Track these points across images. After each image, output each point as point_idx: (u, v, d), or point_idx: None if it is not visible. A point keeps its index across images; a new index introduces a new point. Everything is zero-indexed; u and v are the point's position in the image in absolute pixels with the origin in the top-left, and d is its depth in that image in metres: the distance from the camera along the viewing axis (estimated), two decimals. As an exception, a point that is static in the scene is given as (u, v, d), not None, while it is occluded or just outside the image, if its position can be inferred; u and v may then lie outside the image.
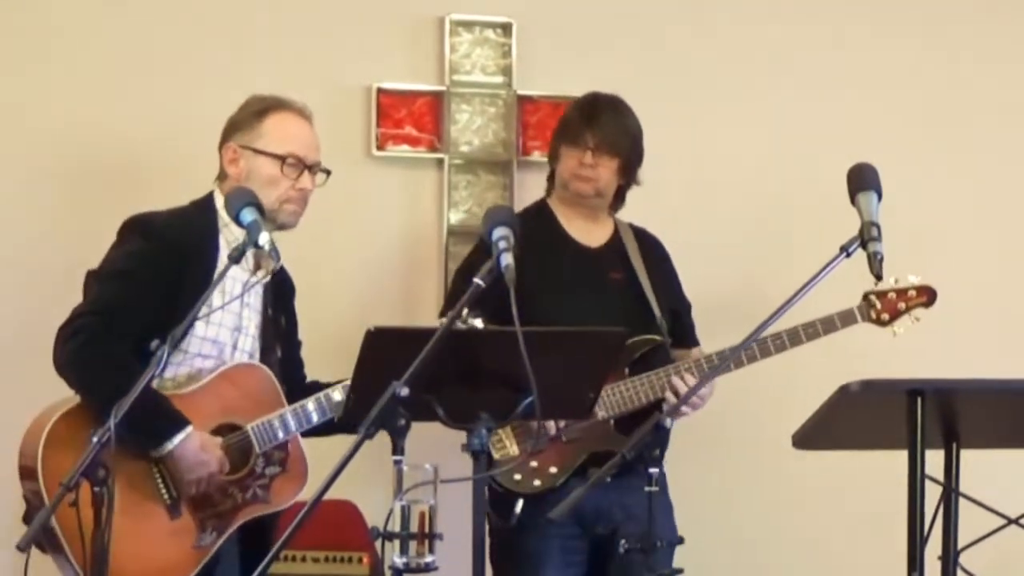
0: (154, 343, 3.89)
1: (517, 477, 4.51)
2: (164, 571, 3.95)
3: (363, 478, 4.02)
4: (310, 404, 4.07)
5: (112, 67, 4.91)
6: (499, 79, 5.22)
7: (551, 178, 4.82)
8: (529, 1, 5.23)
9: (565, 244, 4.73)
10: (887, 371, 3.66)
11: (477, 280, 3.48)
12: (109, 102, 4.86)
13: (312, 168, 4.17)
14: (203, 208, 4.13)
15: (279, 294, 4.14)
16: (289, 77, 5.01)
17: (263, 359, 4.13)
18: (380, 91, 5.11)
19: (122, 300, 3.95)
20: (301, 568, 4.65)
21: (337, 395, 4.09)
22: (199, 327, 3.99)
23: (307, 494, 3.30)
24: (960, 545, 3.72)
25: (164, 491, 3.96)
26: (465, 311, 4.05)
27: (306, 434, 4.15)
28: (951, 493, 3.71)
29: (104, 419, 3.77)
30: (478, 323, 4.06)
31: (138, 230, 4.06)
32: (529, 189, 5.10)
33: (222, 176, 4.17)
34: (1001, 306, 5.49)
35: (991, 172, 5.54)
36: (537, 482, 4.51)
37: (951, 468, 3.76)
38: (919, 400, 3.52)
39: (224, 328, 4.05)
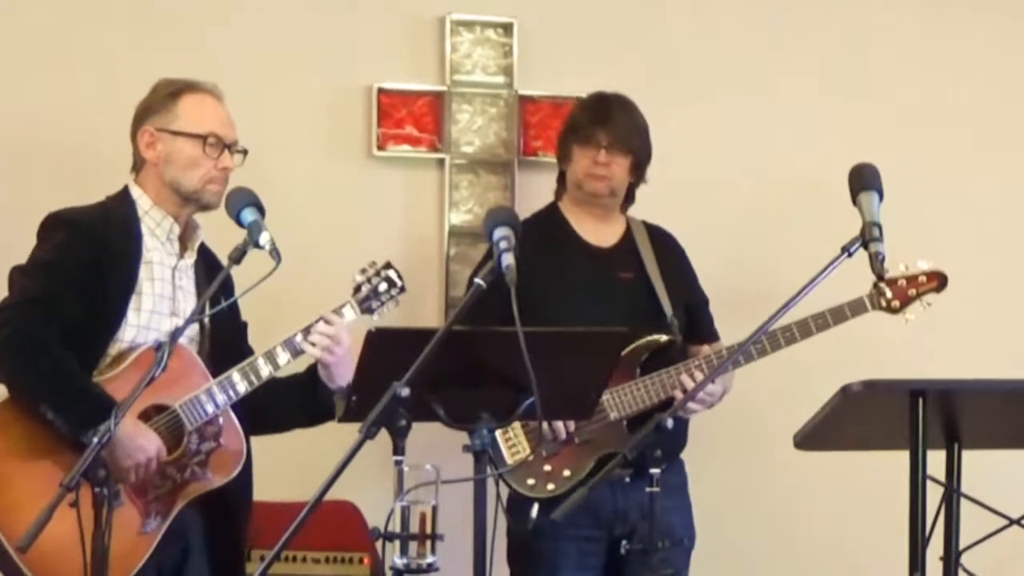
0: (154, 343, 3.91)
1: (531, 482, 4.51)
2: (114, 561, 3.89)
3: (364, 478, 4.02)
4: (235, 375, 4.02)
5: (107, 65, 4.91)
6: (500, 79, 5.22)
7: (561, 180, 4.82)
8: (530, 1, 5.23)
9: (575, 246, 4.74)
10: (889, 371, 3.65)
11: (478, 280, 3.49)
12: (106, 100, 4.85)
13: (231, 147, 4.10)
14: (120, 200, 4.09)
15: (213, 274, 4.06)
16: (289, 77, 5.02)
17: (201, 340, 4.09)
18: (381, 91, 5.10)
19: (47, 291, 3.92)
20: (301, 569, 4.65)
21: (261, 361, 4.04)
22: (131, 316, 3.97)
23: (307, 494, 3.28)
24: (962, 546, 3.72)
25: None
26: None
27: (262, 428, 4.14)
28: (953, 494, 3.71)
29: (34, 407, 3.80)
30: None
31: (57, 225, 4.02)
32: (530, 189, 5.10)
33: (139, 164, 4.11)
34: (1003, 306, 5.49)
35: (993, 171, 5.54)
36: (551, 486, 4.51)
37: (953, 469, 3.76)
38: (921, 400, 3.51)
39: (157, 315, 4.00)
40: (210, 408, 3.99)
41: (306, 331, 4.09)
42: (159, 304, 4.02)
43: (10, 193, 4.80)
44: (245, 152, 4.14)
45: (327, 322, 4.09)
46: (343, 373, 4.04)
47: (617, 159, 4.69)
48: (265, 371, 4.04)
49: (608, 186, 4.70)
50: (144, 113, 4.11)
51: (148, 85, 4.20)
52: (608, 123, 4.67)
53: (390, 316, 4.23)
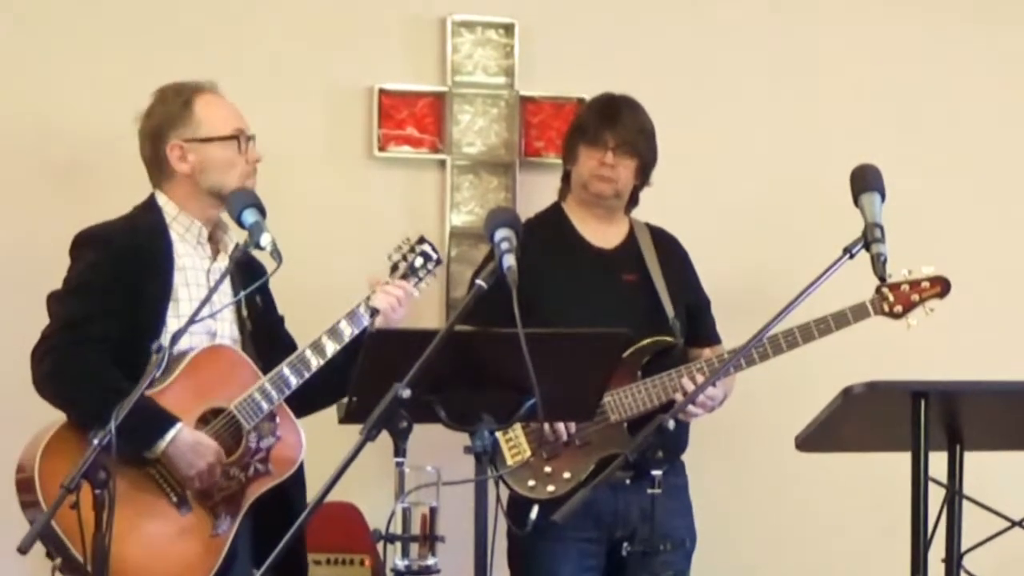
0: (155, 344, 3.90)
1: (531, 483, 4.51)
2: (190, 568, 3.94)
3: (365, 480, 4.02)
4: (285, 369, 4.03)
5: (109, 67, 4.90)
6: (501, 80, 5.21)
7: (565, 180, 4.81)
8: (531, 1, 5.23)
9: (579, 247, 4.74)
10: (890, 373, 3.65)
11: (479, 282, 3.48)
12: (104, 104, 4.84)
13: (251, 138, 4.13)
14: (148, 210, 4.11)
15: (247, 274, 4.06)
16: (290, 78, 5.02)
17: (243, 340, 4.11)
18: (382, 92, 5.10)
19: (87, 312, 3.94)
20: (303, 570, 4.64)
21: (309, 353, 4.05)
22: (171, 323, 3.97)
23: (308, 496, 3.28)
24: (964, 547, 3.71)
25: (168, 490, 3.94)
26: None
27: (305, 408, 4.14)
28: (955, 495, 3.70)
29: (93, 429, 3.75)
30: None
31: (89, 243, 4.04)
32: (532, 190, 5.09)
33: (167, 176, 4.10)
34: (1006, 307, 5.48)
35: (997, 172, 5.53)
36: (551, 488, 4.51)
37: (955, 470, 3.75)
38: (923, 402, 3.51)
39: (197, 320, 3.97)
40: (265, 405, 4.01)
41: (365, 300, 4.13)
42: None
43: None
44: (253, 137, 4.16)
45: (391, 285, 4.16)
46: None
47: (624, 161, 4.69)
48: (314, 362, 4.06)
49: (614, 188, 4.70)
50: (165, 127, 4.10)
51: (150, 88, 4.19)
52: (617, 125, 4.67)
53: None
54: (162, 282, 4.01)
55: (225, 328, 4.09)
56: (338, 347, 4.08)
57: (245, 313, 4.13)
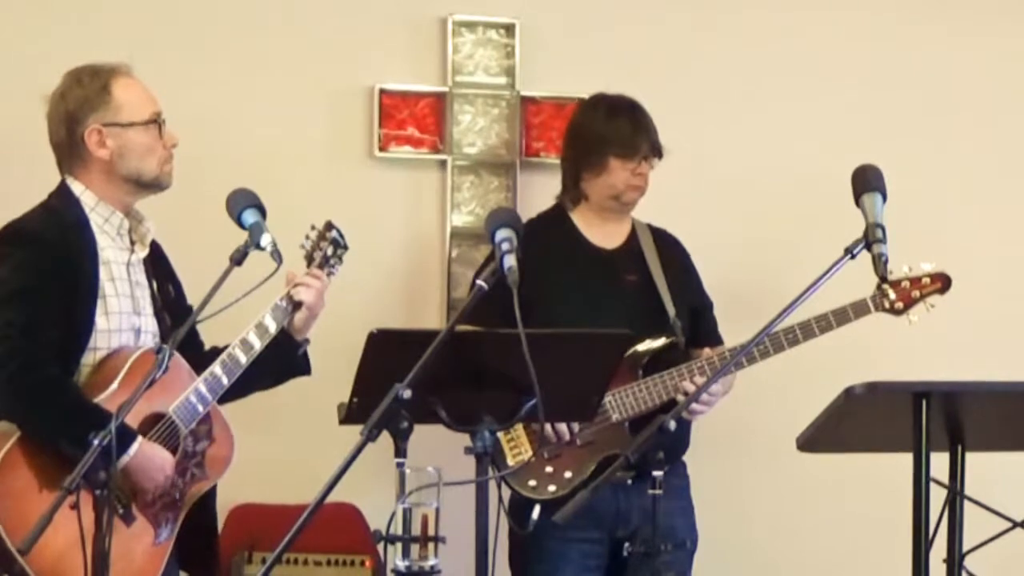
0: (155, 346, 3.87)
1: (532, 483, 4.51)
2: None
3: (365, 481, 4.01)
4: (217, 368, 3.92)
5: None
6: (502, 80, 5.21)
7: (575, 187, 4.76)
8: (532, 1, 5.22)
9: (581, 247, 4.73)
10: (892, 373, 3.65)
11: (480, 282, 3.49)
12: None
13: (165, 121, 4.01)
14: (63, 199, 3.95)
15: (158, 263, 4.01)
16: (291, 77, 5.02)
17: (161, 333, 3.99)
18: (382, 92, 5.10)
19: (32, 317, 3.78)
20: (303, 572, 4.64)
21: (238, 351, 3.95)
22: (100, 321, 3.86)
23: (308, 496, 3.28)
24: (965, 548, 3.71)
25: (116, 503, 3.76)
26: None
27: (238, 393, 4.06)
28: (956, 496, 3.70)
29: (50, 444, 3.68)
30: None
31: (16, 241, 3.88)
32: (532, 190, 5.09)
33: (84, 161, 3.94)
34: (1007, 308, 5.47)
35: (998, 172, 5.53)
36: (552, 487, 4.51)
37: (956, 471, 3.75)
38: (924, 402, 3.51)
39: (125, 315, 3.91)
40: (200, 407, 3.91)
41: (287, 296, 4.04)
42: (123, 304, 3.92)
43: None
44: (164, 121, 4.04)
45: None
46: (311, 327, 4.09)
47: (648, 166, 4.70)
48: (243, 360, 3.95)
49: (642, 193, 4.71)
50: (82, 110, 3.93)
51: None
52: (645, 131, 4.68)
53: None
54: (91, 279, 3.86)
55: (148, 323, 3.97)
56: (263, 343, 3.97)
57: (161, 304, 4.02)
